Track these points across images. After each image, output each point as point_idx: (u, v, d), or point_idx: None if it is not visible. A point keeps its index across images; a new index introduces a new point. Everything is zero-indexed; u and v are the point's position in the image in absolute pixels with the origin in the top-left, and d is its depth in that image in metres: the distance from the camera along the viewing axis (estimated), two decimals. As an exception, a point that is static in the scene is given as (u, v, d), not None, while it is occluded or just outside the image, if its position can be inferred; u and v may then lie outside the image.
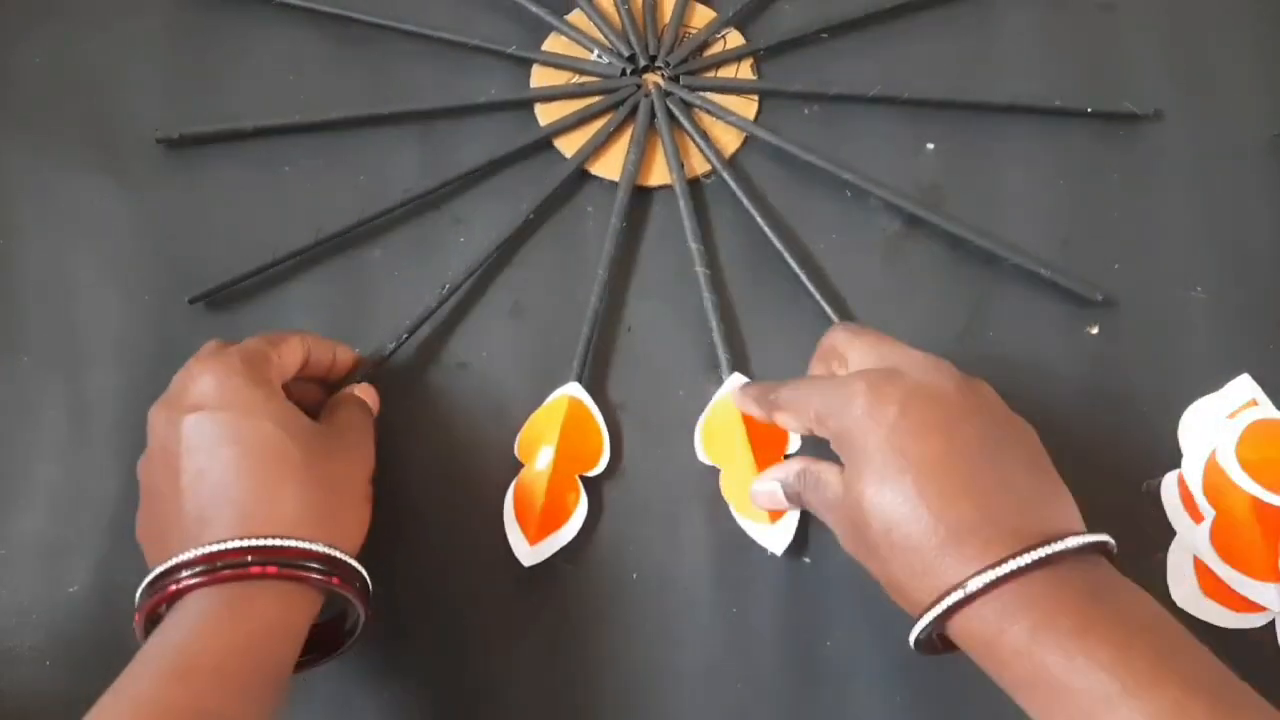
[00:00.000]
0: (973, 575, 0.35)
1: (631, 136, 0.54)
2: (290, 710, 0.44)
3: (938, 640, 0.39)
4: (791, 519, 0.46)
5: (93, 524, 0.48)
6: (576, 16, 0.57)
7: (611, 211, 0.52)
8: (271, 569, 0.36)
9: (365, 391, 0.47)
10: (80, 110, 0.56)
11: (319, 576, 0.37)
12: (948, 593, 0.35)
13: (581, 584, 0.47)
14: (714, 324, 0.50)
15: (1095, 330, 0.51)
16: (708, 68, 0.57)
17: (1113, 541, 0.37)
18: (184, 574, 0.36)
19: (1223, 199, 0.54)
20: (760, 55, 0.57)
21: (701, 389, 0.50)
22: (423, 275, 0.52)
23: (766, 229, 0.52)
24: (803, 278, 0.51)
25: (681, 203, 0.52)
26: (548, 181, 0.53)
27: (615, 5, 0.57)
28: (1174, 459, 0.49)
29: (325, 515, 0.39)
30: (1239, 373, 0.50)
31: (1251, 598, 0.45)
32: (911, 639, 0.38)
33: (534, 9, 0.57)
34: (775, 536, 0.46)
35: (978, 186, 0.54)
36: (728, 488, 0.47)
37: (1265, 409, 0.49)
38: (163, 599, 0.37)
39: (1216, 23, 0.58)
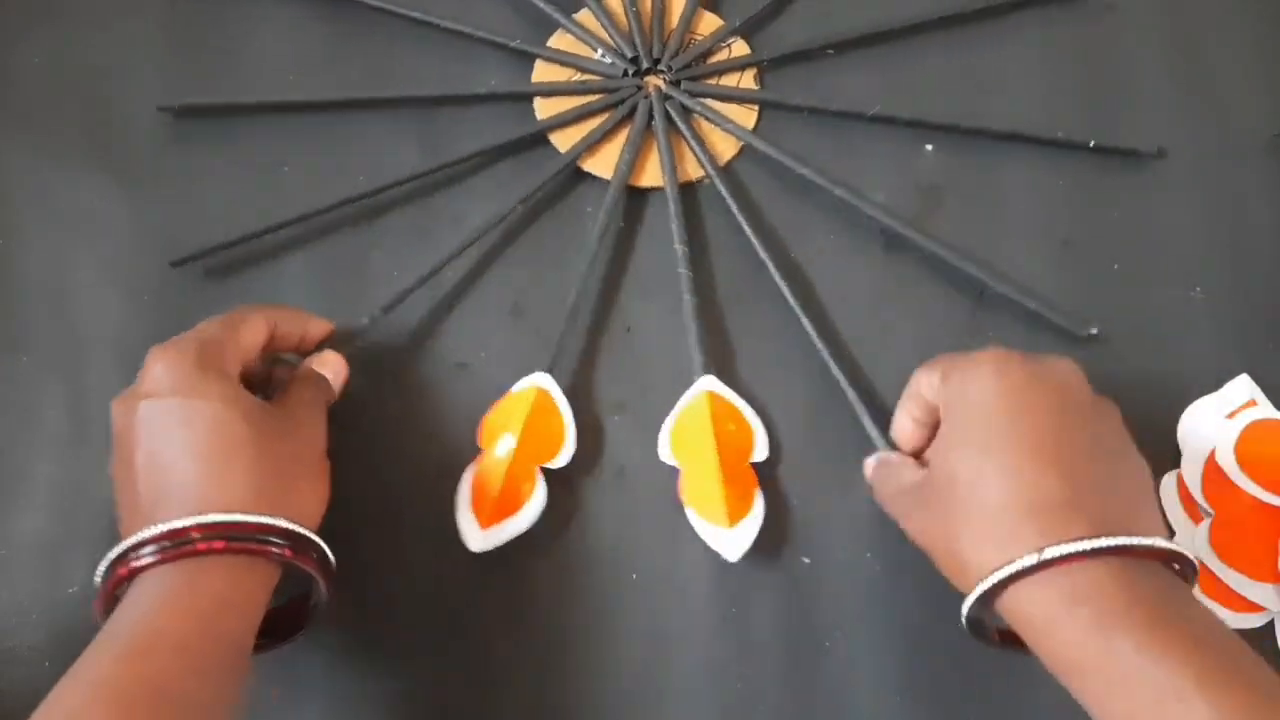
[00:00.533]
0: (1051, 545, 0.35)
1: (627, 136, 0.54)
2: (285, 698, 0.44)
3: (992, 628, 0.39)
4: (751, 525, 0.46)
5: (92, 523, 0.48)
6: (584, 15, 0.57)
7: (608, 212, 0.52)
8: (219, 544, 0.37)
9: (329, 362, 0.46)
10: (80, 110, 0.56)
11: (273, 549, 0.38)
12: (1021, 556, 0.35)
13: (581, 584, 0.47)
14: (692, 325, 0.50)
15: (1095, 331, 0.51)
16: (710, 74, 0.57)
17: (1195, 562, 0.37)
18: (136, 555, 0.37)
19: (1222, 199, 0.54)
20: (764, 66, 0.57)
21: (700, 389, 0.50)
22: (422, 269, 0.52)
23: (753, 238, 0.51)
24: (784, 290, 0.50)
25: (671, 205, 0.52)
26: (540, 175, 0.53)
27: (624, 7, 0.57)
28: (1173, 459, 0.49)
29: (278, 491, 0.39)
30: (1238, 373, 0.50)
31: (1251, 598, 0.45)
32: (968, 604, 0.37)
33: (542, 5, 0.57)
34: (731, 542, 0.45)
35: (977, 189, 0.54)
36: (688, 489, 0.47)
37: (1264, 409, 0.49)
38: (119, 581, 0.37)
39: (1217, 23, 0.58)
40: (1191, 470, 0.48)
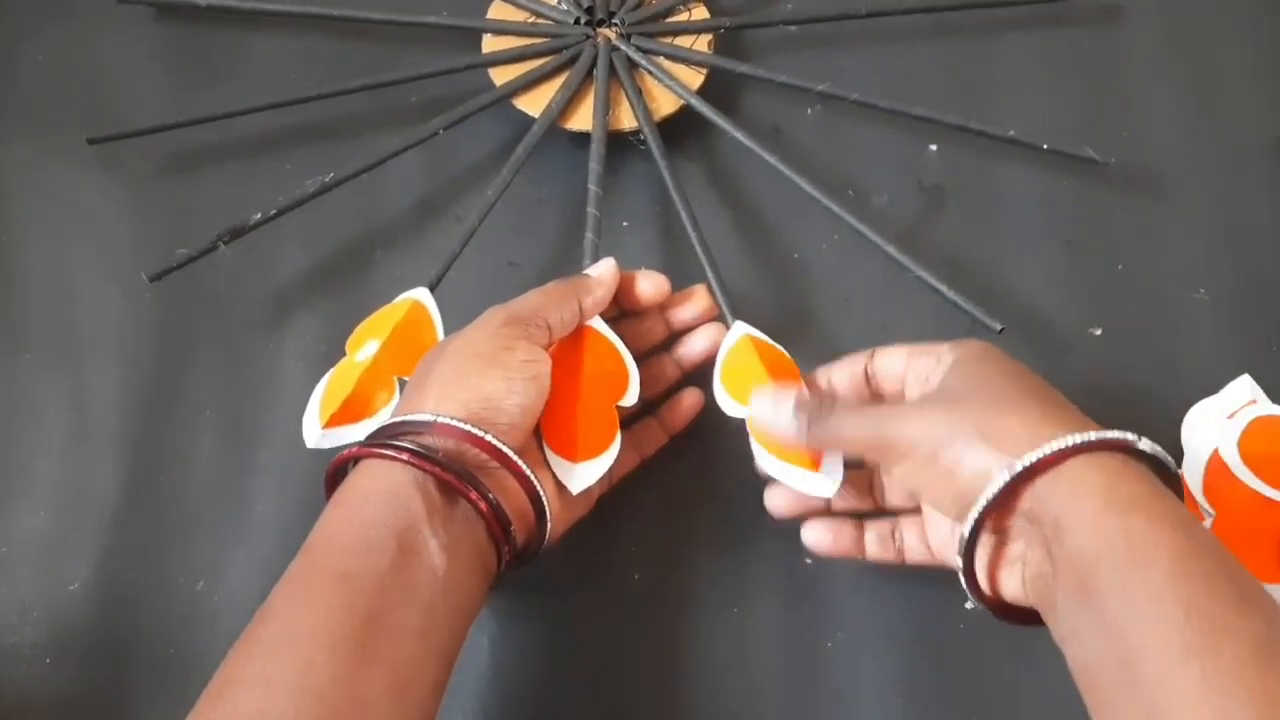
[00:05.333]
0: (1075, 434, 0.34)
1: (565, 80, 0.53)
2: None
3: (988, 599, 0.37)
4: (599, 465, 0.42)
5: (93, 521, 0.47)
6: (553, -39, 0.57)
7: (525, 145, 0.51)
8: (355, 451, 0.39)
9: (599, 265, 0.46)
10: (82, 109, 0.57)
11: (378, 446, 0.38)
12: (1063, 436, 0.34)
13: (582, 584, 0.45)
14: (588, 262, 0.47)
15: (1098, 332, 0.50)
16: (664, 34, 0.55)
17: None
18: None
19: (1225, 201, 0.53)
20: (720, 34, 0.56)
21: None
22: (422, 263, 0.51)
23: (673, 190, 0.50)
24: (697, 246, 0.48)
25: (594, 146, 0.51)
26: (468, 106, 0.52)
27: (592, -42, 0.57)
28: (1175, 460, 0.45)
29: (424, 391, 0.40)
30: (1240, 374, 0.48)
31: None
32: (996, 487, 0.34)
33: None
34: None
35: (979, 190, 0.53)
36: (545, 416, 0.43)
37: (1265, 406, 0.47)
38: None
39: (1220, 24, 0.57)
40: (1193, 470, 0.46)
